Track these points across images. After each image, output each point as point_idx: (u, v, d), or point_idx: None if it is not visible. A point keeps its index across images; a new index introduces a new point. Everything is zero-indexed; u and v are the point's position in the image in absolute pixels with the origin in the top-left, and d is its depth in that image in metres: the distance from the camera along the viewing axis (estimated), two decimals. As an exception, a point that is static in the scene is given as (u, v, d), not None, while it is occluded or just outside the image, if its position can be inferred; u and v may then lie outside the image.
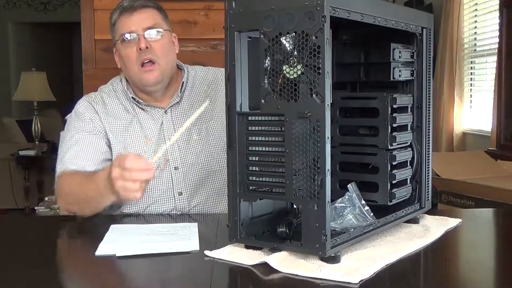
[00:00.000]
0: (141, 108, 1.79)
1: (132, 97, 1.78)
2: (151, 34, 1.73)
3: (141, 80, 1.74)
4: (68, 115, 1.81)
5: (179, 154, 1.77)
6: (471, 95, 4.40)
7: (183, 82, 1.81)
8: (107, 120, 1.76)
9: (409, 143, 1.47)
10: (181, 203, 1.75)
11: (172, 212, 1.74)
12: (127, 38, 1.72)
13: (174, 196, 1.75)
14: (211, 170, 1.79)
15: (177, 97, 1.80)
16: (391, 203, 1.40)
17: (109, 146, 1.74)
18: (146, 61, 1.71)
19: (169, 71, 1.77)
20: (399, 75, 1.42)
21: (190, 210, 1.75)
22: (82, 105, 1.79)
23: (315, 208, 1.14)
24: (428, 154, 1.50)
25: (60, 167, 1.69)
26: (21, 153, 5.32)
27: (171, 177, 1.75)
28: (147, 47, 1.70)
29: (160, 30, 1.74)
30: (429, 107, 1.50)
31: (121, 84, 1.83)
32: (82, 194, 1.55)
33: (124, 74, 1.81)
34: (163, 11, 1.80)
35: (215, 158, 1.79)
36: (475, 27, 4.33)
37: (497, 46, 3.75)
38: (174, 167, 1.76)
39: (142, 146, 1.75)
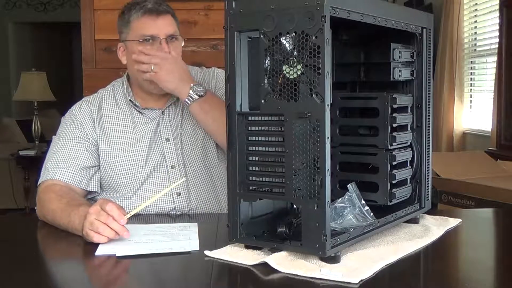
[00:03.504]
0: (139, 111, 1.79)
1: (130, 100, 1.78)
2: (171, 41, 1.75)
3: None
4: (63, 116, 1.83)
5: (176, 153, 1.77)
6: (471, 95, 4.40)
7: None
8: (100, 123, 1.77)
9: (409, 143, 1.47)
10: (180, 204, 1.75)
11: (172, 213, 1.74)
12: (148, 40, 1.72)
13: (173, 197, 1.75)
14: (209, 171, 1.79)
15: (173, 97, 1.80)
16: (391, 203, 1.40)
17: (96, 152, 1.76)
18: None
19: None
20: (399, 75, 1.42)
21: (189, 211, 1.75)
22: (77, 107, 1.81)
23: (315, 208, 1.14)
24: (428, 154, 1.50)
25: (42, 174, 1.74)
26: (21, 153, 5.31)
27: (168, 175, 1.75)
28: None
29: (179, 38, 1.77)
30: (429, 107, 1.50)
31: (122, 87, 1.83)
32: (54, 222, 1.57)
33: (129, 71, 1.80)
34: (177, 19, 1.82)
35: (213, 160, 1.80)
36: (475, 27, 4.33)
37: (497, 46, 3.75)
38: (171, 166, 1.76)
39: (134, 148, 1.75)
